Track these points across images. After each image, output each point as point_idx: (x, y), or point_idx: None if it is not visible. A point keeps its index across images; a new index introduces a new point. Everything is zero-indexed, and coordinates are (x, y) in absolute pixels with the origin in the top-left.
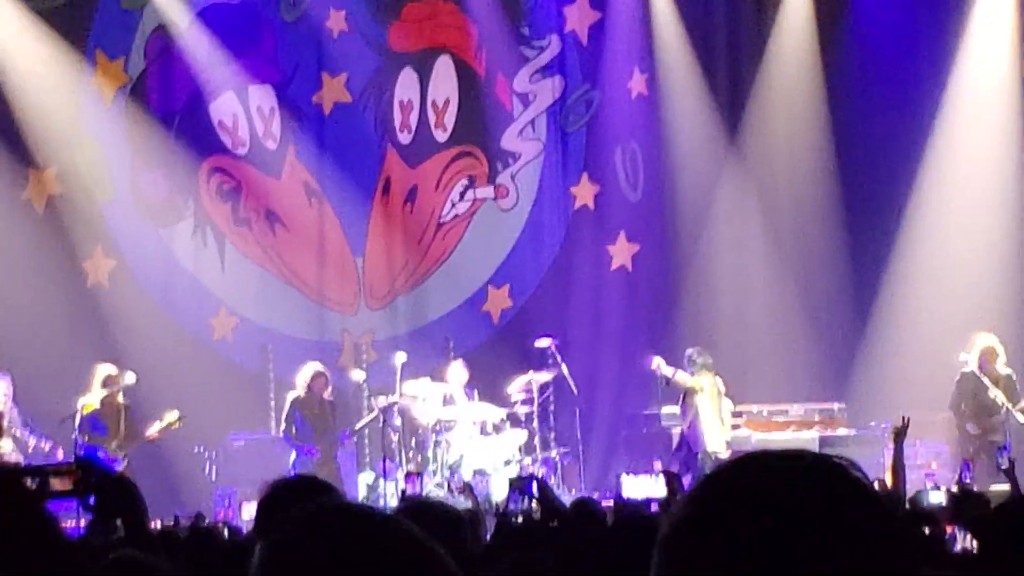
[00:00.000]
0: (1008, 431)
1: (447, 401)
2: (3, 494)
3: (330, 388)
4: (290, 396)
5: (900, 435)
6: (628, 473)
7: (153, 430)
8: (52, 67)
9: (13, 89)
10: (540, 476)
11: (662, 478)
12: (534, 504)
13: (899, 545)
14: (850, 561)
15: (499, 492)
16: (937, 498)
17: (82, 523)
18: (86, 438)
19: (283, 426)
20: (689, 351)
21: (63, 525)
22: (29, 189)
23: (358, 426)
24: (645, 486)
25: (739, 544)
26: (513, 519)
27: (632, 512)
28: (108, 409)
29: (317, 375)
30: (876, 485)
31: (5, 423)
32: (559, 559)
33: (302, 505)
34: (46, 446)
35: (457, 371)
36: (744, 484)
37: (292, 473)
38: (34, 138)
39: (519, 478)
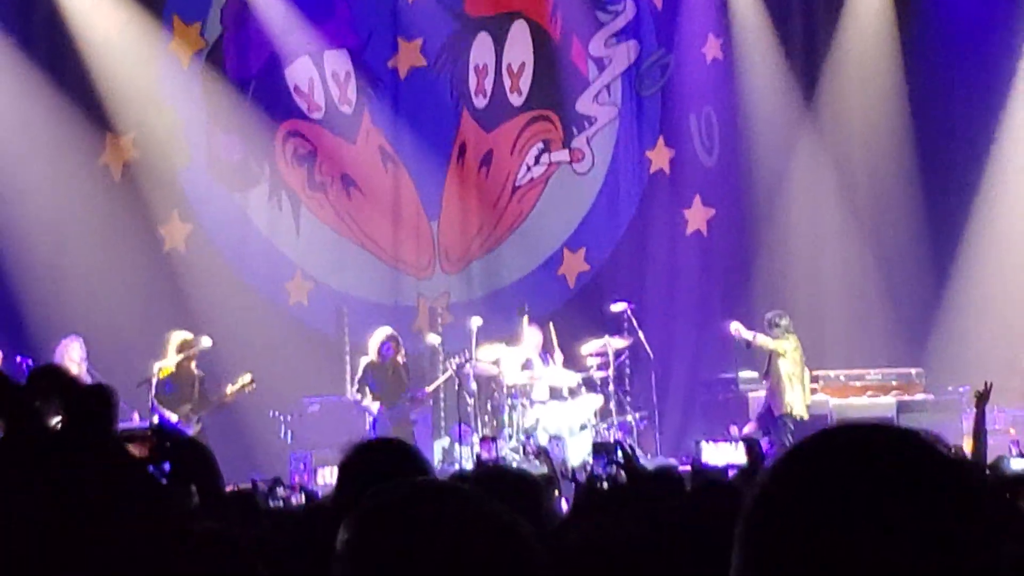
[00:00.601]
0: None
1: (524, 366)
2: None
3: (403, 351)
4: (363, 361)
5: (983, 400)
6: (707, 440)
7: (226, 392)
8: (129, 33)
9: (90, 55)
10: (625, 442)
11: (742, 445)
12: (618, 469)
13: (988, 521)
14: (939, 536)
15: (574, 457)
16: (1018, 465)
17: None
18: (159, 402)
19: (355, 388)
20: (769, 315)
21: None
22: (106, 154)
23: (431, 387)
24: (724, 452)
25: (823, 521)
26: (599, 483)
27: (711, 479)
28: (182, 374)
29: (389, 338)
30: (955, 452)
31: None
32: (639, 525)
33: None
34: (132, 413)
35: (533, 336)
36: (829, 459)
37: (372, 434)
38: (111, 103)
39: (604, 443)
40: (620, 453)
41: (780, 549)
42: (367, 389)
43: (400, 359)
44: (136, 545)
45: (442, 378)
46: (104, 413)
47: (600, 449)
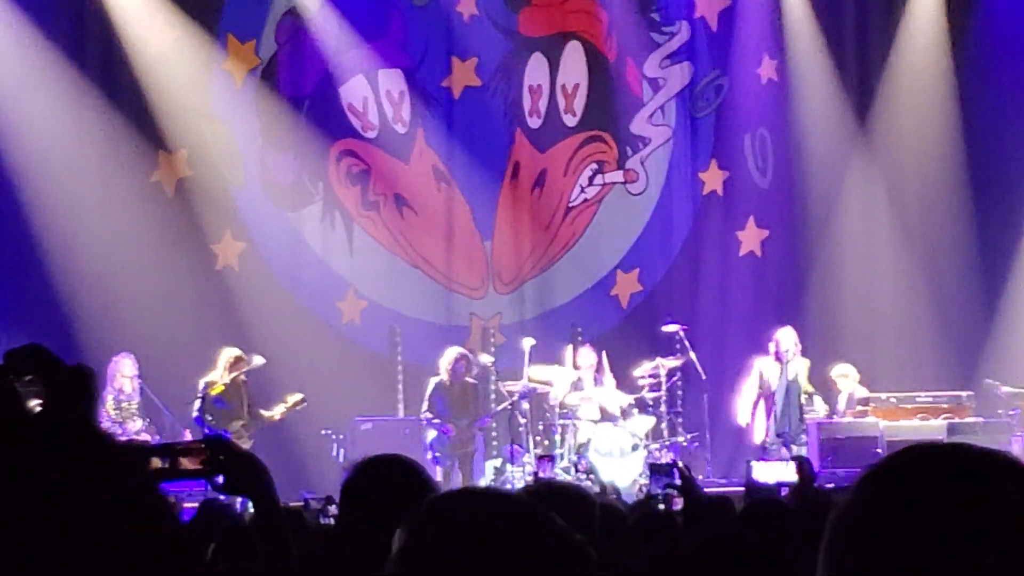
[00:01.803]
0: None
1: (575, 386)
2: (123, 473)
3: (474, 371)
4: (433, 380)
5: None
6: (759, 459)
7: (276, 412)
8: (183, 50)
9: (144, 71)
10: (681, 463)
11: (793, 464)
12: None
13: None
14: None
15: (624, 477)
16: None
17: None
18: (209, 418)
19: (425, 407)
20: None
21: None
22: (159, 172)
23: (498, 409)
24: (776, 471)
25: (913, 540)
26: (656, 504)
27: (762, 498)
28: (233, 392)
29: (460, 358)
30: None
31: (135, 402)
32: (696, 545)
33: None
34: (184, 431)
35: (587, 357)
36: (916, 478)
37: (432, 452)
38: (165, 121)
39: (662, 465)
40: (678, 475)
41: (872, 568)
42: (435, 410)
43: (471, 379)
44: (112, 540)
45: (505, 403)
46: (85, 396)
47: (657, 470)
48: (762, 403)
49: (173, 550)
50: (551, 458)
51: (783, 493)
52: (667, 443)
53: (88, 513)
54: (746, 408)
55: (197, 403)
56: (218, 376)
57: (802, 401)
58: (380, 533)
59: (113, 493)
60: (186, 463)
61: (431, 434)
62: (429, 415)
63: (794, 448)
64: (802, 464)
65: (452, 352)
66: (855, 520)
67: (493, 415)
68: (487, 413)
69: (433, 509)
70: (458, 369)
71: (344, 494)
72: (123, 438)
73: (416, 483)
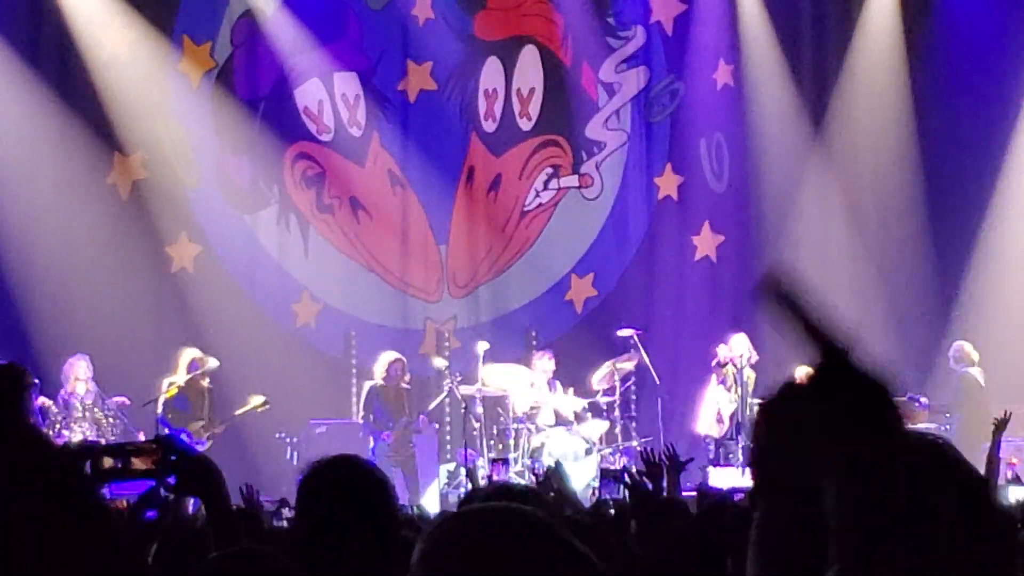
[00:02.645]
0: None
1: (533, 390)
2: (62, 476)
3: (408, 376)
4: (367, 385)
5: (1000, 429)
6: (713, 465)
7: (237, 414)
8: (139, 52)
9: (99, 73)
10: (632, 468)
11: (748, 470)
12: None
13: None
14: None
15: (576, 482)
16: (1016, 493)
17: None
18: (169, 416)
19: (362, 414)
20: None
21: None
22: (115, 174)
23: (431, 406)
24: (730, 476)
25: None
26: (606, 509)
27: (716, 502)
28: (193, 392)
29: (394, 362)
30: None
31: (87, 403)
32: (648, 547)
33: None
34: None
35: (544, 363)
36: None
37: (373, 458)
38: (120, 123)
39: (613, 470)
40: (627, 477)
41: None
42: (372, 416)
43: (404, 384)
44: (43, 540)
45: (438, 398)
46: (13, 393)
47: (609, 475)
48: (717, 409)
49: (109, 551)
50: (505, 462)
51: (736, 499)
52: (620, 447)
53: (17, 515)
54: (707, 418)
55: (161, 402)
56: (179, 377)
57: (748, 409)
58: (334, 532)
59: (44, 494)
60: (138, 463)
61: (371, 441)
62: (366, 421)
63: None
64: None
65: (387, 356)
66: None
67: (425, 419)
68: (421, 412)
69: (449, 524)
70: (393, 373)
71: (299, 493)
72: (76, 439)
73: (370, 482)
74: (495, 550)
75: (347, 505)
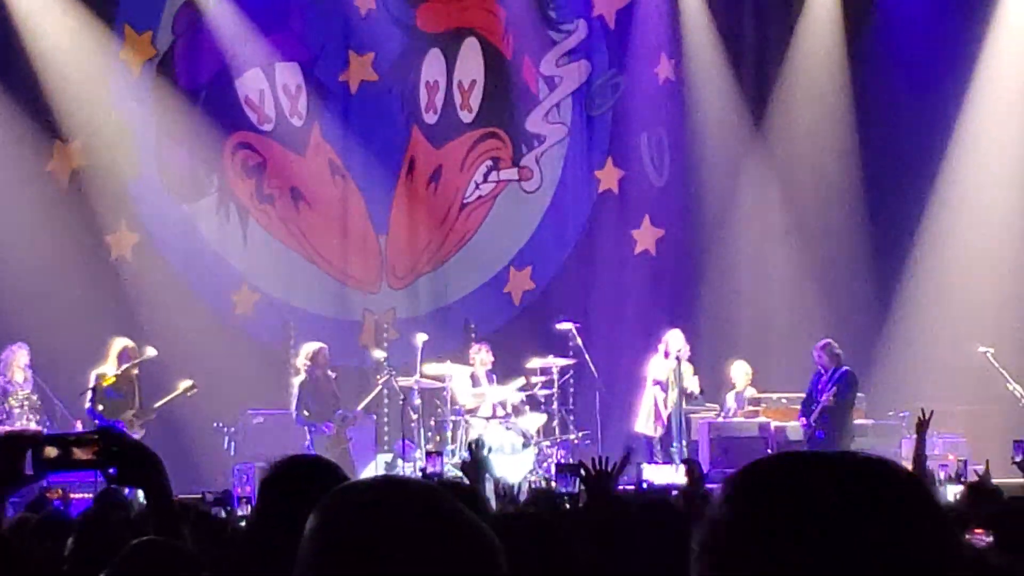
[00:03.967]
0: None
1: (471, 383)
2: None
3: (329, 366)
4: (296, 381)
5: (923, 427)
6: (649, 462)
7: (163, 401)
8: (80, 40)
9: (40, 61)
10: (586, 462)
11: (683, 466)
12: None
13: (947, 543)
14: (901, 561)
15: (513, 475)
16: (953, 491)
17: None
18: (101, 408)
19: (295, 411)
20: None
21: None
22: (54, 161)
23: (361, 405)
24: (666, 473)
25: (786, 547)
26: (561, 502)
27: (652, 499)
28: (125, 382)
29: (316, 353)
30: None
31: (25, 391)
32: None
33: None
34: (76, 422)
35: (482, 355)
36: (786, 485)
37: (311, 452)
38: (60, 110)
39: (569, 464)
40: (583, 472)
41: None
42: (306, 412)
43: (329, 373)
44: None
45: (371, 395)
46: None
47: (564, 469)
48: (653, 404)
49: None
50: (440, 454)
51: (673, 495)
52: (558, 440)
53: None
54: (645, 416)
55: (89, 394)
56: (110, 367)
57: (684, 404)
58: (297, 534)
59: None
60: (79, 453)
61: (308, 435)
62: (300, 416)
63: (675, 450)
64: (691, 466)
65: (309, 347)
66: (725, 531)
67: (359, 411)
68: (355, 408)
69: (343, 495)
70: (319, 361)
71: (261, 493)
72: (14, 428)
73: (336, 480)
74: (384, 520)
75: (312, 504)
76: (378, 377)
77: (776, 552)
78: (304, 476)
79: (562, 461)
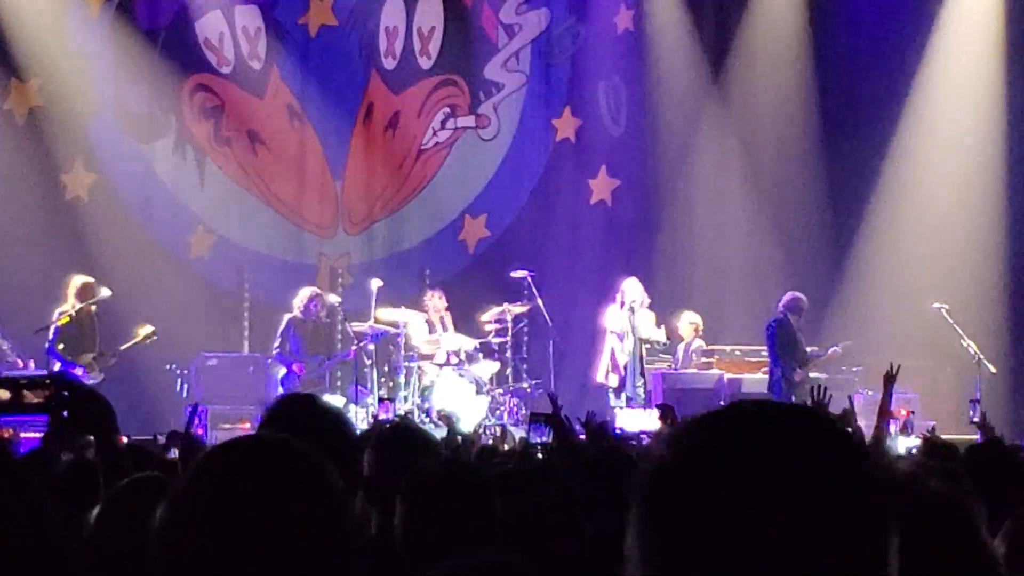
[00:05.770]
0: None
1: (426, 329)
2: None
3: (325, 311)
4: (286, 317)
5: (890, 382)
6: (621, 407)
7: (125, 347)
8: None
9: None
10: (561, 413)
11: (656, 411)
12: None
13: (878, 494)
14: (830, 511)
15: (466, 422)
16: (904, 444)
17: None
18: (62, 347)
19: (277, 343)
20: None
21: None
22: (10, 100)
23: (350, 351)
24: (638, 419)
25: (721, 494)
26: (535, 451)
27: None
28: (86, 320)
29: (314, 296)
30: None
31: None
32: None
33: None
34: (18, 360)
35: (435, 302)
36: (723, 434)
37: (282, 389)
38: (17, 49)
39: (540, 414)
40: (554, 421)
41: (674, 519)
42: (287, 346)
43: (323, 317)
44: None
45: (353, 348)
46: None
47: (536, 419)
48: (611, 354)
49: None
50: (392, 400)
51: (644, 442)
52: (511, 388)
53: None
54: (604, 367)
55: (50, 333)
56: (69, 305)
57: (643, 352)
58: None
59: None
60: (31, 396)
61: (281, 371)
62: (280, 351)
63: (625, 397)
64: (666, 412)
65: (306, 291)
66: (663, 480)
67: (343, 357)
68: (338, 353)
69: (208, 458)
70: (311, 307)
71: (265, 426)
72: None
73: (332, 414)
74: (251, 479)
75: (314, 437)
76: (355, 328)
77: (708, 496)
78: (303, 410)
79: (525, 410)
